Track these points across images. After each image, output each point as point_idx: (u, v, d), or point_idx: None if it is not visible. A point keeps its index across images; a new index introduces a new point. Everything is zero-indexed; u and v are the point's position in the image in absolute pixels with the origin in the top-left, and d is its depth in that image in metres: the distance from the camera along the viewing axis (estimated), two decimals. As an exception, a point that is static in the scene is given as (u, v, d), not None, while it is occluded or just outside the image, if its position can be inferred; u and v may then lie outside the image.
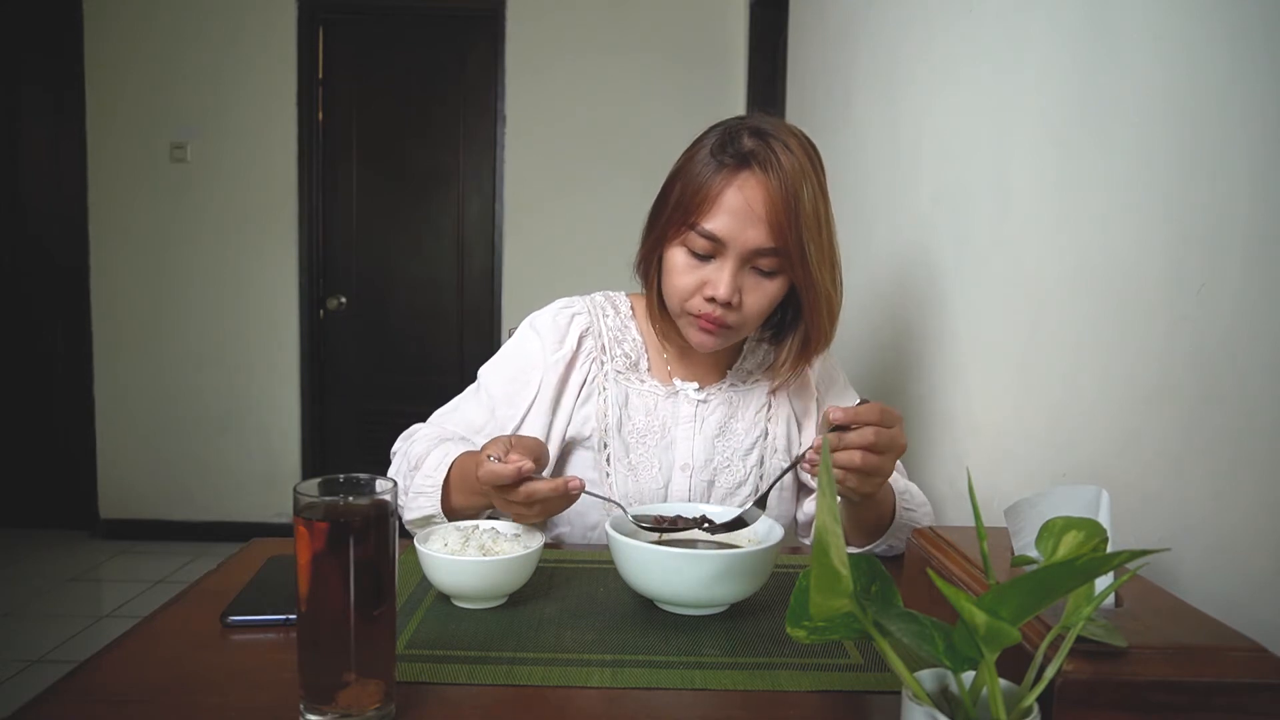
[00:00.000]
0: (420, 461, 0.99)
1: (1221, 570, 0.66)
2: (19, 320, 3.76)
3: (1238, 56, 0.66)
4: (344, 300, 3.79)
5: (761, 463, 1.09)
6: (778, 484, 1.04)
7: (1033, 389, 0.96)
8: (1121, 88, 0.80)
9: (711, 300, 0.97)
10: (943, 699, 0.50)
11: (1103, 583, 0.56)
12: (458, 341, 3.79)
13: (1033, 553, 0.53)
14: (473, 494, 0.91)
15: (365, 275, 3.79)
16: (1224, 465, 0.66)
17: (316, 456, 3.78)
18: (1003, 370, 1.04)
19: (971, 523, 0.56)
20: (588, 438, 1.08)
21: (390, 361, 3.82)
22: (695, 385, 1.10)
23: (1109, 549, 0.51)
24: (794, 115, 2.42)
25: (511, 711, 0.61)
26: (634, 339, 1.11)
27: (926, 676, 0.51)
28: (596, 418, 1.08)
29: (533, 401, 1.08)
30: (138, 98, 3.60)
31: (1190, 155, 0.71)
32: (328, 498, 0.59)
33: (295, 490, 0.57)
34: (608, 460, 1.07)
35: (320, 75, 3.68)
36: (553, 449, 1.06)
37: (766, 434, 1.10)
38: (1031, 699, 0.47)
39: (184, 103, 3.61)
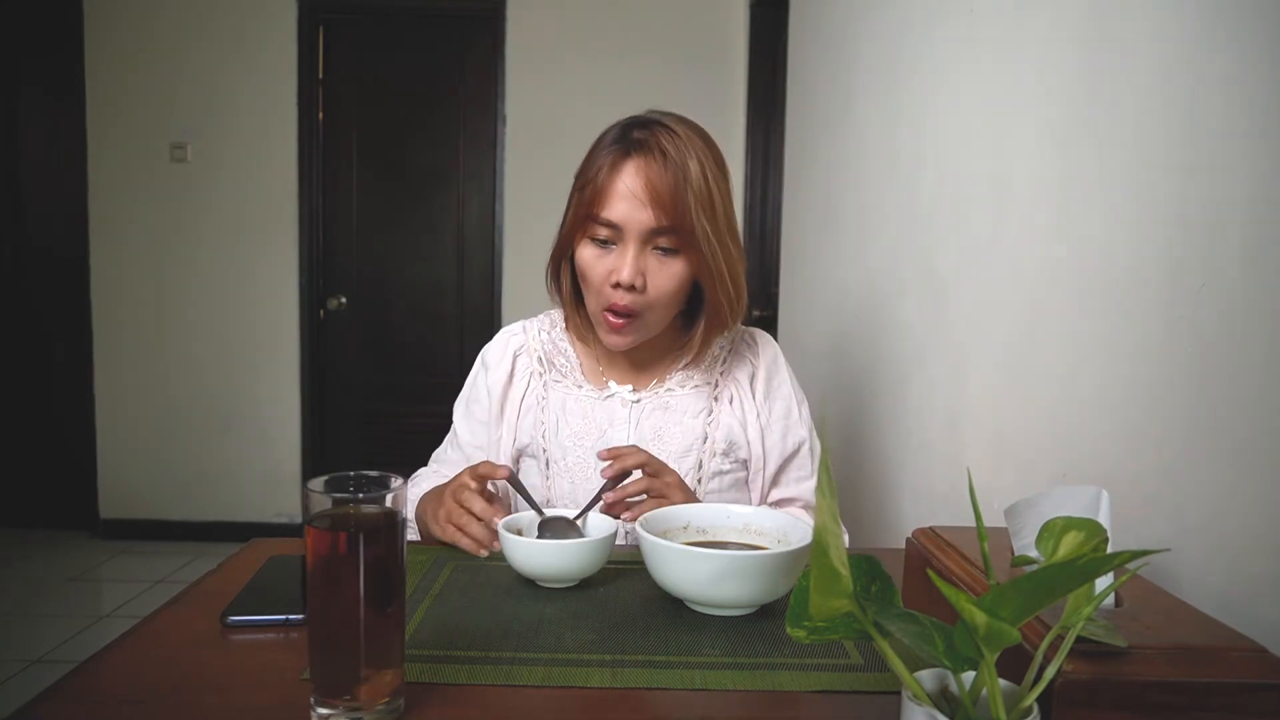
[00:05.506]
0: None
1: (1221, 570, 0.66)
2: (20, 320, 3.76)
3: (1238, 56, 0.66)
4: (344, 300, 3.79)
5: (700, 466, 1.10)
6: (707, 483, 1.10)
7: (1033, 389, 0.96)
8: (1121, 88, 0.80)
9: (617, 286, 1.01)
10: (943, 699, 0.50)
11: (1103, 583, 0.56)
12: (458, 341, 3.79)
13: (1033, 553, 0.53)
14: (430, 521, 1.00)
15: (365, 275, 3.79)
16: (1224, 465, 0.66)
17: (316, 456, 3.78)
18: (1003, 370, 1.04)
19: (971, 523, 0.56)
20: (528, 445, 1.12)
21: (390, 362, 3.82)
22: (629, 388, 1.12)
23: (1109, 549, 0.51)
24: (794, 115, 2.42)
25: (511, 711, 0.61)
26: (566, 349, 1.16)
27: (926, 676, 0.51)
28: (535, 426, 1.12)
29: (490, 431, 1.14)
30: (138, 98, 3.60)
31: (1190, 155, 0.71)
32: (339, 494, 0.60)
33: (306, 487, 0.58)
34: (547, 465, 1.11)
35: (320, 75, 3.68)
36: (506, 462, 1.12)
37: (706, 438, 1.10)
38: (1031, 699, 0.47)
39: (184, 103, 3.61)
